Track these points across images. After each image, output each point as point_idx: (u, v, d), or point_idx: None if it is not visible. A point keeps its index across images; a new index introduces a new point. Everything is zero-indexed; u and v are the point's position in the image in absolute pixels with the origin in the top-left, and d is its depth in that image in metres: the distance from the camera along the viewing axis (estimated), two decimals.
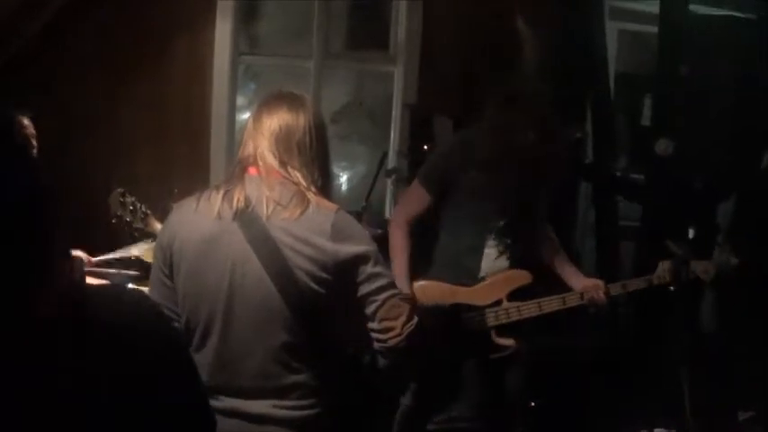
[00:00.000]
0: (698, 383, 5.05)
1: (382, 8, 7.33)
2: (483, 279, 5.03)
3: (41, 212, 1.74)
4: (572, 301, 5.09)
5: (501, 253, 5.05)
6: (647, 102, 7.56)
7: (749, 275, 5.91)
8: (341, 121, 7.75)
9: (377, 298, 3.38)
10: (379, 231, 5.79)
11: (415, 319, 3.47)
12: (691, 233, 4.52)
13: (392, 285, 3.45)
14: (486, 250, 5.04)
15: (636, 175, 7.47)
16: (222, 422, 3.31)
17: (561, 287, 5.20)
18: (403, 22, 7.13)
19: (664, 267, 5.05)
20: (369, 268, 3.37)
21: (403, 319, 3.43)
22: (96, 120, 6.33)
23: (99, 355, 1.75)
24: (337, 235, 3.30)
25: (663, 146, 5.10)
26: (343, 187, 7.59)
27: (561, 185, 5.49)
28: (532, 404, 6.00)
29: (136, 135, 6.44)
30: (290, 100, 3.49)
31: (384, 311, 3.40)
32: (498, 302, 5.01)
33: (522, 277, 5.05)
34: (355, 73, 7.81)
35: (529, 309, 5.04)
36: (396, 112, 7.19)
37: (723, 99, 6.54)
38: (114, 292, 1.98)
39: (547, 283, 5.21)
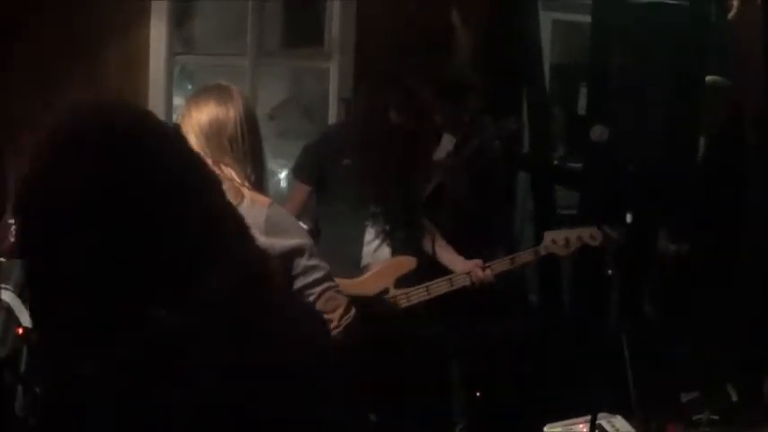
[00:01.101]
0: (641, 367, 5.09)
1: (316, 4, 7.31)
2: (366, 268, 4.99)
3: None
4: (459, 281, 5.09)
5: (382, 240, 5.02)
6: (583, 91, 7.61)
7: (688, 260, 5.99)
8: (278, 117, 7.73)
9: (313, 291, 3.39)
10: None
11: (353, 311, 3.48)
12: (628, 218, 4.54)
13: (328, 278, 3.45)
14: (367, 237, 5.01)
15: (573, 164, 7.52)
16: None
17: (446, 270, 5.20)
18: (337, 18, 7.12)
19: (550, 237, 5.10)
20: (304, 261, 3.37)
21: (340, 311, 3.44)
22: (29, 125, 6.25)
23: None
24: (271, 229, 3.30)
25: (598, 132, 5.11)
26: (282, 184, 7.57)
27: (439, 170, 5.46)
28: (477, 394, 6.02)
29: None
30: (217, 93, 3.48)
31: (321, 304, 3.40)
32: (386, 291, 4.98)
33: (407, 263, 5.02)
34: (291, 70, 7.80)
35: (417, 294, 5.02)
36: (332, 107, 7.18)
37: (659, 87, 6.58)
38: None
39: (433, 266, 5.20)
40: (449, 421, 5.80)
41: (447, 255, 5.26)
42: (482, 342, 6.06)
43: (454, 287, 5.10)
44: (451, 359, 5.71)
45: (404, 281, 5.03)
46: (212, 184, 1.79)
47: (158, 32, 6.52)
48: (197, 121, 3.40)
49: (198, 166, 1.78)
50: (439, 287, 5.06)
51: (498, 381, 6.20)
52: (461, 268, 5.13)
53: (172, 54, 6.64)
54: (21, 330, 4.71)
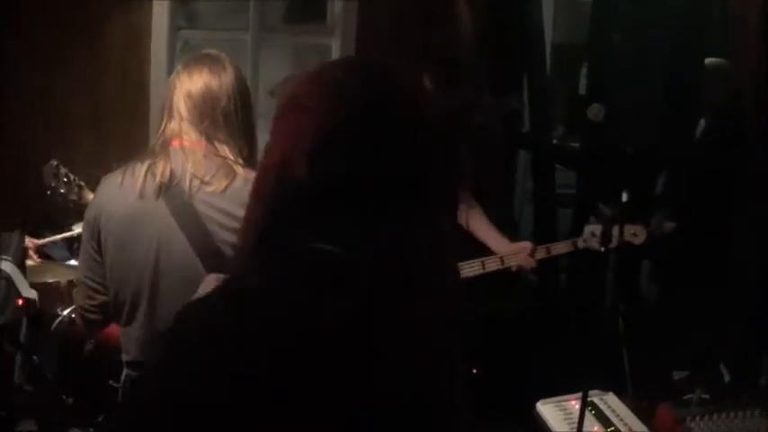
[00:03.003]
0: (635, 345, 5.11)
1: None
2: None
3: None
4: (492, 265, 5.04)
5: None
6: (584, 70, 7.63)
7: (684, 239, 6.00)
8: (279, 94, 7.72)
9: None
10: None
11: None
12: (624, 197, 4.54)
13: None
14: None
15: (573, 144, 7.53)
16: None
17: (484, 252, 5.17)
18: None
19: (590, 230, 5.05)
20: None
21: None
22: (32, 98, 6.29)
23: None
24: None
25: (594, 110, 5.12)
26: None
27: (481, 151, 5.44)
28: (474, 371, 6.04)
29: (73, 112, 6.40)
30: (210, 62, 3.39)
31: None
32: None
33: None
34: (293, 46, 7.80)
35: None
36: None
37: (658, 66, 6.60)
38: None
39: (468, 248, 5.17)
40: None
41: (490, 235, 5.20)
42: (478, 320, 6.08)
43: (486, 270, 5.03)
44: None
45: None
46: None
47: (161, 6, 6.54)
48: (187, 92, 3.34)
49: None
50: (471, 269, 5.01)
51: (494, 358, 6.23)
52: (506, 250, 5.08)
53: (174, 28, 6.66)
54: (21, 301, 4.74)
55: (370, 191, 1.77)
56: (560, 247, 5.19)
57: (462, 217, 5.18)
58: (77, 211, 4.48)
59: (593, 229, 5.08)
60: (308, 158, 1.77)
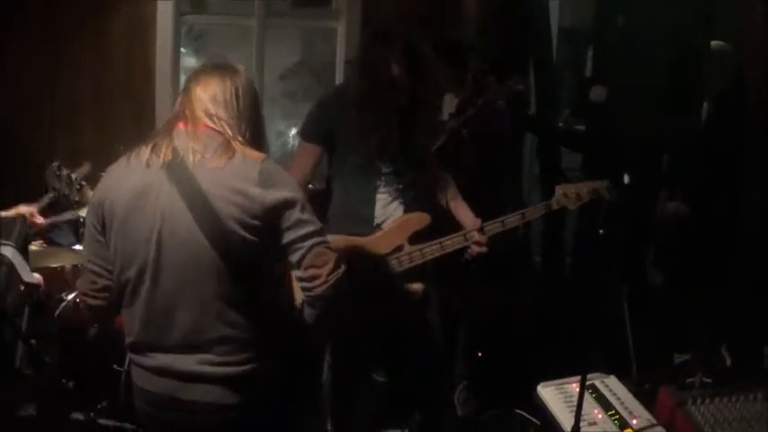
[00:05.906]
0: (638, 328, 5.11)
1: None
2: (379, 226, 4.93)
3: None
4: (473, 236, 5.01)
5: (394, 198, 4.92)
6: (590, 53, 7.61)
7: (688, 223, 5.99)
8: (287, 78, 7.74)
9: (303, 245, 3.39)
10: (324, 187, 5.74)
11: (342, 267, 3.48)
12: (626, 179, 4.52)
13: (319, 233, 3.46)
14: (379, 196, 4.90)
15: (579, 126, 7.50)
16: (152, 381, 3.39)
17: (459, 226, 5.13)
18: None
19: (561, 190, 5.02)
20: (295, 214, 3.38)
21: (329, 266, 3.43)
22: (38, 83, 6.30)
23: None
24: (264, 181, 3.32)
25: (597, 92, 5.10)
26: (290, 143, 7.60)
27: (436, 127, 5.41)
28: (479, 354, 6.05)
29: (78, 100, 6.42)
30: (220, 70, 3.52)
31: (310, 259, 3.41)
32: (400, 248, 4.89)
33: (420, 219, 4.91)
34: (301, 30, 7.80)
35: (432, 250, 4.94)
36: (339, 68, 7.19)
37: (662, 48, 6.58)
38: None
39: (447, 222, 5.13)
40: (451, 380, 5.84)
41: (462, 211, 5.19)
42: (484, 304, 6.09)
43: (468, 242, 5.02)
44: (455, 321, 5.70)
45: (419, 238, 4.97)
46: None
47: None
48: (198, 94, 3.44)
49: None
50: (453, 242, 4.98)
51: (499, 341, 6.23)
52: (473, 224, 5.07)
53: (179, 13, 6.66)
54: (22, 287, 4.76)
55: None
56: (534, 212, 5.14)
57: (442, 199, 5.16)
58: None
59: (564, 190, 5.04)
60: None
